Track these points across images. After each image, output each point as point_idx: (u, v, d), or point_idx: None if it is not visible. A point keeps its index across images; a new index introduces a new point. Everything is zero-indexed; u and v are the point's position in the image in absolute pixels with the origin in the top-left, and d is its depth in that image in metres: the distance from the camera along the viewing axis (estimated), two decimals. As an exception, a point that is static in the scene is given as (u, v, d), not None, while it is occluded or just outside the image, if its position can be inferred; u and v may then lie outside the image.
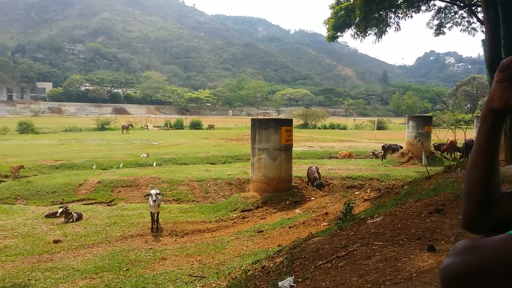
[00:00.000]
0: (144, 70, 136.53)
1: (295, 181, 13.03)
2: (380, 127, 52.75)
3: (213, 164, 19.58)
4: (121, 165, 17.37)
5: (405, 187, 8.73)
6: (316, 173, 12.62)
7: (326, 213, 8.40)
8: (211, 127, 49.18)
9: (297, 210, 9.79)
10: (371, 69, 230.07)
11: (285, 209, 10.18)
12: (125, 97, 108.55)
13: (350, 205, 5.95)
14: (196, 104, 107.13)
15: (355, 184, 14.27)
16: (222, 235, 8.56)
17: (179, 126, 51.31)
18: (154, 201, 8.76)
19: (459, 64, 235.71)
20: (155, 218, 9.08)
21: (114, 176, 14.43)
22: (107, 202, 12.63)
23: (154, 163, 18.17)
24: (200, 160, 20.23)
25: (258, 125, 11.57)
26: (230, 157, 21.47)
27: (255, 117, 12.38)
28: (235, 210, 10.44)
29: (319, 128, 53.70)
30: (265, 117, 71.43)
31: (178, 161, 19.53)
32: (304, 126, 54.24)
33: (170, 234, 8.88)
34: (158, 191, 9.18)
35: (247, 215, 10.04)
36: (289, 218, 8.96)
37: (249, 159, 13.01)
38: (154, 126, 50.68)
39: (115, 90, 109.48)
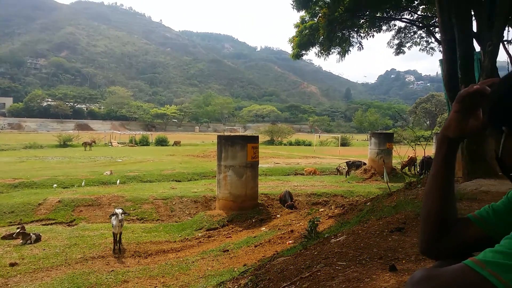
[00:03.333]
0: (109, 85, 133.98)
1: (261, 198, 13.01)
2: (344, 143, 53.88)
3: (179, 181, 19.26)
4: (83, 183, 16.80)
5: (368, 203, 8.88)
6: (287, 196, 12.61)
7: (292, 231, 8.41)
8: (177, 143, 48.57)
9: (263, 228, 9.75)
10: (335, 86, 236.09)
11: (251, 227, 10.12)
12: (89, 112, 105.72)
13: (315, 222, 5.98)
14: (162, 120, 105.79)
15: (320, 200, 14.37)
16: (187, 255, 8.38)
17: (144, 142, 50.26)
18: (120, 220, 8.49)
19: (419, 82, 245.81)
20: (118, 239, 8.77)
21: (75, 194, 13.92)
22: (67, 222, 12.11)
23: (118, 181, 17.68)
24: (165, 177, 19.86)
25: (224, 142, 11.54)
26: (196, 174, 21.21)
27: (221, 134, 12.33)
28: (200, 229, 10.28)
29: (285, 145, 54.18)
30: (232, 134, 71.47)
31: (143, 179, 19.10)
32: (271, 142, 54.62)
33: (133, 255, 8.60)
34: (122, 210, 8.92)
35: (212, 233, 9.90)
36: (255, 236, 8.91)
37: (216, 176, 12.92)
38: (118, 143, 49.45)
39: (79, 105, 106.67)
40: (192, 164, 25.64)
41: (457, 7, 6.75)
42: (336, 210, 10.01)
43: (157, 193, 14.62)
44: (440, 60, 7.54)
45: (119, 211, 8.72)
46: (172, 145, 47.86)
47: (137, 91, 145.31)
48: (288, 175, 22.27)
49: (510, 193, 1.06)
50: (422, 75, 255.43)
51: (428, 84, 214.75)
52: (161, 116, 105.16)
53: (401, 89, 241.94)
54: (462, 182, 6.76)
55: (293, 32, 13.98)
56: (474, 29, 8.35)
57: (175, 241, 9.63)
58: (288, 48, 14.37)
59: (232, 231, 9.92)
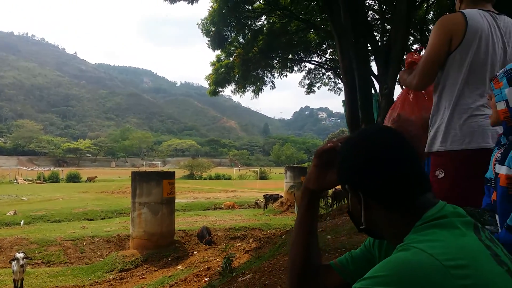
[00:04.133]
0: (16, 119, 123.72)
1: (178, 234, 12.72)
2: (263, 176, 54.96)
3: (91, 220, 18.13)
4: (-19, 225, 15.12)
5: (283, 236, 9.13)
6: (205, 232, 12.46)
7: (208, 268, 8.31)
8: (91, 179, 45.81)
9: (179, 266, 9.51)
10: (253, 121, 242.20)
11: (167, 265, 9.82)
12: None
13: (230, 258, 6.01)
14: (75, 155, 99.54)
15: (238, 234, 14.40)
16: (96, 300, 7.88)
17: (54, 179, 46.57)
18: (22, 266, 7.79)
19: (330, 119, 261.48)
20: (19, 286, 8.03)
21: (-29, 239, 12.46)
22: (-39, 270, 10.76)
23: (22, 222, 16.17)
24: (76, 216, 18.57)
25: (139, 178, 11.23)
26: (111, 212, 20.15)
27: (136, 170, 12.03)
28: (112, 271, 9.73)
29: (205, 179, 53.82)
30: (149, 169, 69.40)
31: (50, 218, 17.65)
32: (190, 177, 53.95)
33: (34, 303, 7.88)
34: (24, 254, 8.20)
35: (125, 275, 9.42)
36: (170, 276, 8.65)
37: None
38: (25, 180, 45.32)
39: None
40: (107, 201, 24.35)
41: (356, 54, 7.49)
42: (253, 244, 10.11)
43: (66, 234, 13.60)
44: (343, 101, 8.23)
45: (20, 255, 8.02)
46: (86, 181, 44.99)
47: (47, 125, 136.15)
48: (207, 209, 22.08)
49: (366, 242, 1.16)
50: (333, 112, 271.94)
51: (339, 121, 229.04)
52: (74, 150, 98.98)
53: (314, 125, 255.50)
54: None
55: (210, 69, 14.31)
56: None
57: (83, 285, 9.00)
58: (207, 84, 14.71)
59: (147, 272, 9.53)
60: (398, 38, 7.04)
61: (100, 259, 11.92)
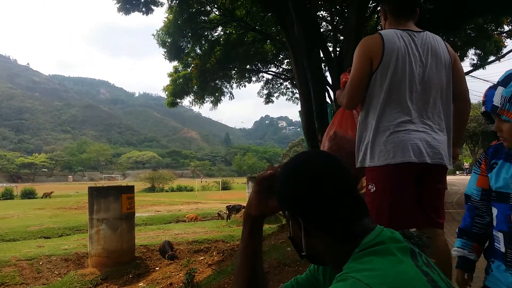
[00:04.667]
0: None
1: (140, 250, 12.40)
2: (225, 187, 54.79)
3: (48, 238, 17.33)
4: None
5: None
6: (167, 246, 12.24)
7: (171, 284, 8.19)
8: (47, 195, 43.73)
9: (140, 284, 9.28)
10: (214, 131, 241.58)
11: (128, 283, 9.54)
12: None
13: (192, 274, 5.95)
14: (30, 170, 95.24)
15: (202, 247, 14.21)
16: (52, 324, 7.53)
17: (8, 196, 44.07)
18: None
19: (290, 127, 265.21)
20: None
21: None
22: None
23: (-26, 242, 15.29)
24: (32, 234, 17.70)
25: (96, 194, 10.88)
26: (68, 229, 19.37)
27: (93, 186, 11.68)
28: (70, 292, 9.36)
29: (166, 191, 52.93)
30: (108, 183, 67.44)
31: (4, 238, 16.73)
32: (152, 189, 52.92)
33: (-16, 332, 7.42)
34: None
35: (84, 295, 9.09)
36: (131, 294, 8.43)
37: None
38: (-25, 197, 42.89)
39: None
40: (64, 218, 23.41)
41: (310, 65, 7.66)
42: (216, 257, 10.05)
43: (21, 253, 12.89)
44: (299, 111, 8.38)
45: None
46: (42, 198, 42.97)
47: (0, 139, 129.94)
48: (169, 223, 21.70)
49: (312, 266, 1.16)
50: (293, 121, 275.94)
51: (299, 129, 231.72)
52: (29, 165, 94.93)
53: (275, 133, 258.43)
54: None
55: (168, 80, 14.20)
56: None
57: (39, 309, 8.59)
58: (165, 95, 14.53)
59: (107, 290, 9.24)
60: (349, 49, 7.28)
61: (58, 278, 11.40)
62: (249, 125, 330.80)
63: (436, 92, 2.05)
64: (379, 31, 2.13)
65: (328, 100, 9.10)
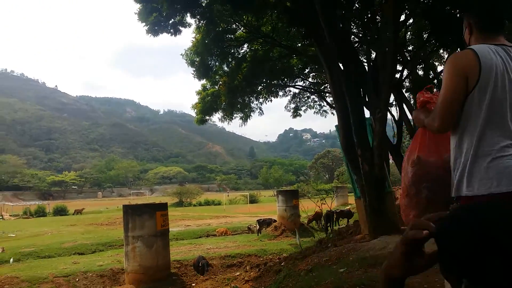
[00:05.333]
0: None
1: (174, 265, 12.53)
2: (253, 200, 54.80)
3: (82, 254, 17.67)
4: (-34, 269, 14.60)
5: (282, 264, 9.13)
6: (201, 260, 12.27)
7: (209, 300, 8.22)
8: (78, 212, 44.67)
9: (178, 300, 9.37)
10: (239, 145, 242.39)
11: (166, 300, 9.66)
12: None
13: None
14: (60, 188, 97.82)
15: (234, 262, 14.22)
16: None
17: (40, 213, 45.30)
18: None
19: (315, 140, 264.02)
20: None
21: (-44, 284, 12.03)
22: None
23: (11, 259, 15.65)
24: (66, 251, 18.08)
25: (131, 211, 11.10)
26: (101, 245, 19.71)
27: (127, 204, 11.89)
28: (109, 309, 9.52)
29: (194, 205, 53.33)
30: (138, 199, 68.40)
31: (40, 254, 17.14)
32: (180, 204, 53.43)
33: None
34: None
35: (123, 312, 9.23)
36: (171, 311, 8.51)
37: (123, 245, 12.19)
38: (10, 215, 44.17)
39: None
40: (97, 234, 23.87)
41: (347, 80, 7.65)
42: (252, 273, 10.05)
43: (58, 270, 13.18)
44: (336, 126, 8.34)
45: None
46: (73, 214, 43.98)
47: (31, 159, 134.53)
48: (200, 237, 21.83)
49: None
50: (317, 132, 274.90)
51: (324, 141, 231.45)
52: (59, 183, 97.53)
53: (299, 146, 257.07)
54: (369, 240, 7.27)
55: (195, 98, 14.44)
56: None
57: (81, 326, 8.76)
58: (191, 111, 14.83)
59: (145, 307, 9.36)
60: (387, 62, 7.23)
61: (95, 295, 11.61)
62: (273, 138, 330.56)
63: None
64: (469, 47, 1.97)
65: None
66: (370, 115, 8.42)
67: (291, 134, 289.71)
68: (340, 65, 7.77)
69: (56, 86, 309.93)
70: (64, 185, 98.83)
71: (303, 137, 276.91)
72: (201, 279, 10.89)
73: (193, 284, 10.52)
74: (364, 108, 9.39)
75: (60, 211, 46.14)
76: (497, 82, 1.84)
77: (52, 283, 12.29)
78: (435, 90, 2.57)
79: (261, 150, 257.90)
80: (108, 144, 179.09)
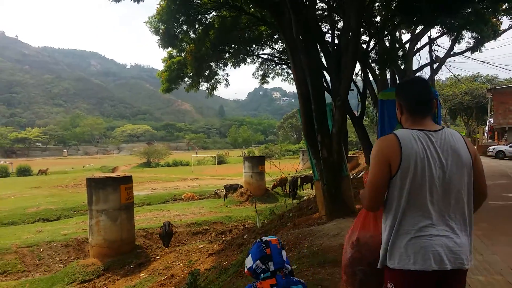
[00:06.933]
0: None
1: (139, 233, 12.60)
2: (221, 161, 55.10)
3: (46, 220, 17.42)
4: None
5: (245, 236, 9.36)
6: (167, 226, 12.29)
7: (172, 275, 8.37)
8: (43, 172, 43.26)
9: (142, 274, 9.49)
10: (208, 103, 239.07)
11: (129, 273, 9.76)
12: None
13: (195, 274, 6.02)
14: (24, 145, 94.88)
15: (200, 229, 14.49)
16: (58, 316, 7.75)
17: (3, 173, 42.94)
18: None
19: (284, 98, 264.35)
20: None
21: None
22: None
23: (-27, 226, 15.34)
24: (30, 216, 17.69)
25: (95, 185, 10.94)
26: (67, 210, 19.39)
27: (91, 177, 11.69)
28: (73, 282, 9.55)
29: (162, 166, 53.09)
30: (103, 157, 67.23)
31: (3, 221, 16.69)
32: (147, 164, 53.05)
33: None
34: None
35: (87, 286, 9.31)
36: (134, 286, 8.64)
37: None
38: (-29, 176, 42.49)
39: None
40: (62, 198, 23.41)
41: (309, 66, 7.58)
42: (215, 245, 10.26)
43: (21, 240, 12.99)
44: (298, 111, 8.35)
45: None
46: (37, 174, 42.74)
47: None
48: (167, 201, 21.95)
49: None
50: (287, 92, 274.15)
51: (293, 100, 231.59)
52: (22, 140, 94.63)
53: (269, 105, 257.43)
54: (325, 221, 7.52)
55: (164, 53, 14.00)
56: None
57: (44, 300, 8.80)
58: (160, 66, 14.30)
59: (109, 281, 9.44)
60: (348, 49, 7.21)
61: (60, 265, 11.59)
62: (243, 96, 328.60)
63: (458, 192, 2.03)
64: (394, 132, 2.09)
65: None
66: (332, 100, 8.45)
67: (261, 93, 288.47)
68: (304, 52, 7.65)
69: (16, 36, 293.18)
70: (28, 142, 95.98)
71: (273, 96, 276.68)
72: (165, 251, 11.05)
73: (157, 257, 10.66)
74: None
75: (24, 171, 44.74)
76: (416, 169, 1.98)
77: (16, 254, 12.09)
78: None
79: (231, 108, 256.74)
80: (73, 100, 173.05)
